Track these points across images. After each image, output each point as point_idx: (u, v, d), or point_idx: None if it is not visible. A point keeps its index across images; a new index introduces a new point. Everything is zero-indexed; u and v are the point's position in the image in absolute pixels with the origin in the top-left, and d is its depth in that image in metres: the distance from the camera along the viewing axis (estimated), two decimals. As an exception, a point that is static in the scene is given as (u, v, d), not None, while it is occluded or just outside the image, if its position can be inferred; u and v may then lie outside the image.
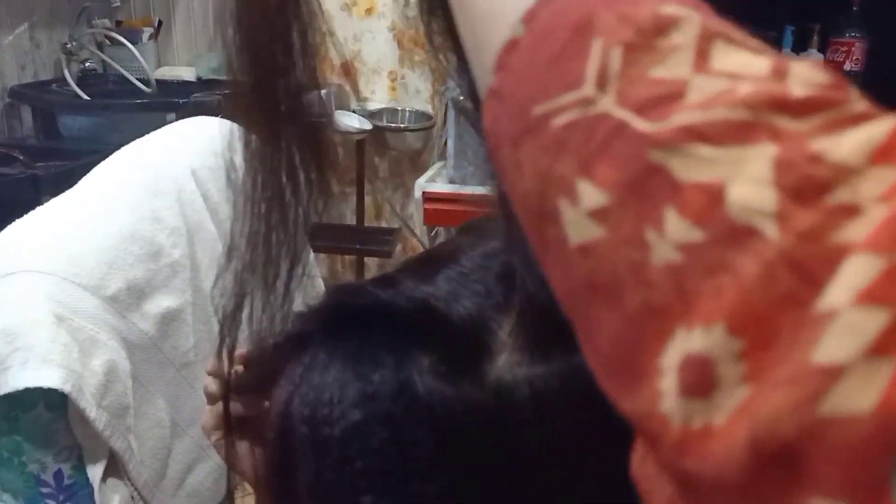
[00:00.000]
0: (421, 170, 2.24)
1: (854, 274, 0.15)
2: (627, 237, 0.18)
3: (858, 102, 0.18)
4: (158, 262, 0.84)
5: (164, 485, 0.87)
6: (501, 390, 0.31)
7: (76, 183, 0.89)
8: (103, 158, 0.93)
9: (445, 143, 1.93)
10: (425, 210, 1.87)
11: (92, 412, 0.73)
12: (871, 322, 0.14)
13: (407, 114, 2.36)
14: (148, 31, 2.34)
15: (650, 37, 0.19)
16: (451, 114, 1.90)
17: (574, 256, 0.19)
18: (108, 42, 2.27)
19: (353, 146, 2.34)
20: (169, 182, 0.89)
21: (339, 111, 2.21)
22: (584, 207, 0.19)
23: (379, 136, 2.31)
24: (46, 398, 0.73)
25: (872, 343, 0.14)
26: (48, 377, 0.70)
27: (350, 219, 2.45)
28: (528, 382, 0.31)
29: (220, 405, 0.55)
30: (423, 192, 1.87)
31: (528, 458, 0.32)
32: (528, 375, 0.31)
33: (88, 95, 2.03)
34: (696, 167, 0.17)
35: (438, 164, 2.09)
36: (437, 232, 2.03)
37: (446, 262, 0.35)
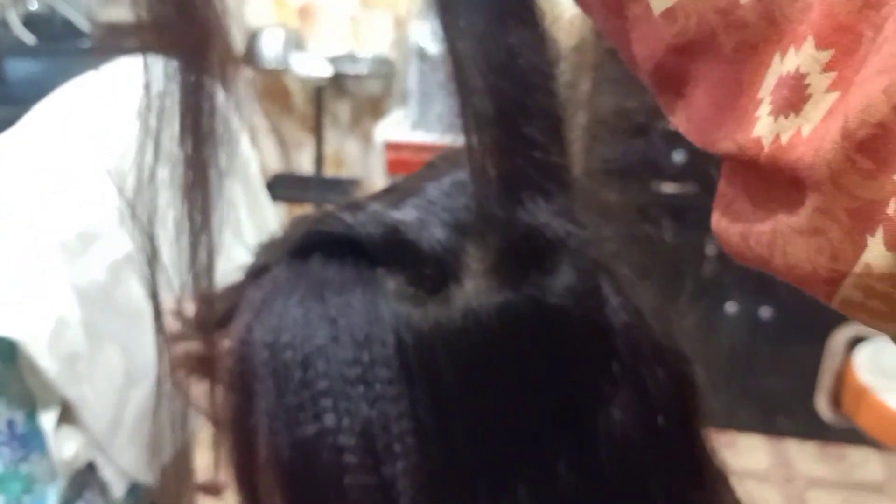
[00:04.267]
0: (382, 117, 2.21)
1: None
2: None
3: None
4: (106, 207, 0.82)
5: (120, 433, 0.87)
6: (468, 314, 0.31)
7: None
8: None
9: (409, 91, 1.91)
10: (387, 159, 1.85)
11: (42, 360, 0.72)
12: None
13: (367, 59, 2.31)
14: (96, -28, 2.25)
15: None
16: (415, 59, 1.87)
17: (661, 24, 0.21)
18: (54, -17, 2.18)
19: (311, 92, 2.29)
20: (111, 124, 0.87)
21: (296, 56, 2.16)
22: None
23: (338, 82, 2.27)
24: (-6, 347, 0.72)
25: None
26: (-4, 325, 0.69)
27: (309, 168, 2.42)
28: (496, 308, 0.31)
29: (184, 344, 0.55)
30: (385, 141, 1.85)
31: (493, 383, 0.32)
32: (496, 301, 0.31)
33: (34, 39, 1.95)
34: None
35: (400, 112, 2.07)
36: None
37: (414, 190, 0.35)
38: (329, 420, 0.31)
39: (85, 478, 0.84)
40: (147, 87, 0.33)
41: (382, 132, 1.90)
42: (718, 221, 0.22)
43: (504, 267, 0.32)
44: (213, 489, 1.37)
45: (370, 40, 2.32)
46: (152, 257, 0.38)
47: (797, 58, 0.18)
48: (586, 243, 0.33)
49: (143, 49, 0.33)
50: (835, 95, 0.18)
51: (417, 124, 1.89)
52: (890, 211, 0.17)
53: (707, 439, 0.37)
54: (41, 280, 0.74)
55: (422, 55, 1.85)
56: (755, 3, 0.19)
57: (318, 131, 2.30)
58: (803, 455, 1.92)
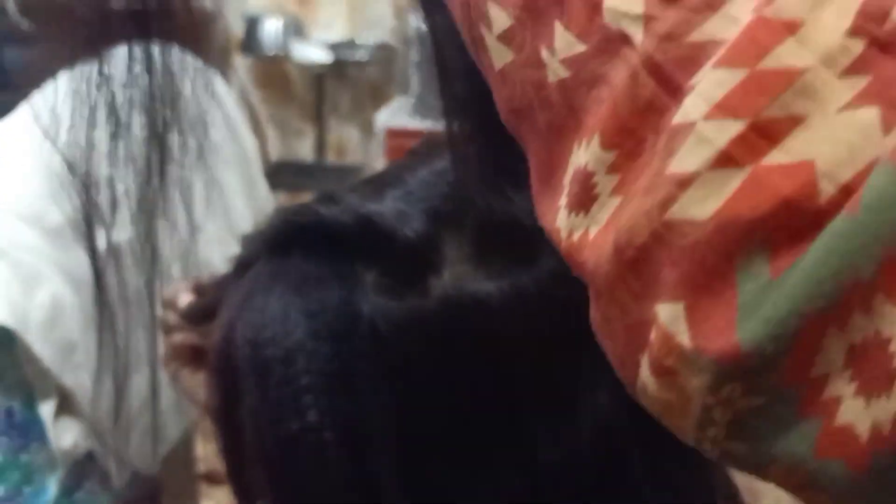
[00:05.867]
0: (383, 104, 2.20)
1: (711, 84, 0.15)
2: (528, 58, 0.18)
3: None
4: (99, 195, 0.81)
5: (120, 422, 0.86)
6: (447, 303, 0.31)
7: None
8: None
9: (410, 77, 1.89)
10: (388, 147, 1.84)
11: (38, 347, 0.72)
12: (722, 134, 0.14)
13: (368, 46, 2.30)
14: (93, -41, 2.23)
15: None
16: (416, 46, 1.86)
17: (498, 81, 0.20)
18: (51, -30, 2.17)
19: (312, 79, 2.28)
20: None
21: (296, 42, 2.15)
22: (495, 31, 0.19)
23: (339, 69, 2.25)
24: (-9, 334, 0.71)
25: (720, 154, 0.14)
26: (-9, 312, 0.68)
27: (310, 156, 2.41)
28: (473, 297, 0.31)
29: (176, 335, 0.55)
30: (387, 129, 1.84)
31: (473, 372, 0.32)
32: (474, 290, 0.31)
33: (31, 26, 1.94)
34: None
35: (401, 98, 2.06)
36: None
37: (392, 180, 0.35)
38: (311, 416, 0.32)
39: (85, 467, 0.83)
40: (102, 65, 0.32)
41: (384, 119, 1.88)
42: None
43: (483, 254, 0.32)
44: (215, 478, 1.37)
45: (371, 27, 2.31)
46: (90, 229, 0.39)
47: (587, 153, 0.17)
48: None
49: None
50: (617, 201, 0.17)
51: (419, 111, 1.88)
52: (652, 337, 0.16)
53: None
54: (33, 266, 0.74)
55: (423, 41, 1.84)
56: (558, 84, 0.18)
57: (318, 119, 2.29)
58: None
